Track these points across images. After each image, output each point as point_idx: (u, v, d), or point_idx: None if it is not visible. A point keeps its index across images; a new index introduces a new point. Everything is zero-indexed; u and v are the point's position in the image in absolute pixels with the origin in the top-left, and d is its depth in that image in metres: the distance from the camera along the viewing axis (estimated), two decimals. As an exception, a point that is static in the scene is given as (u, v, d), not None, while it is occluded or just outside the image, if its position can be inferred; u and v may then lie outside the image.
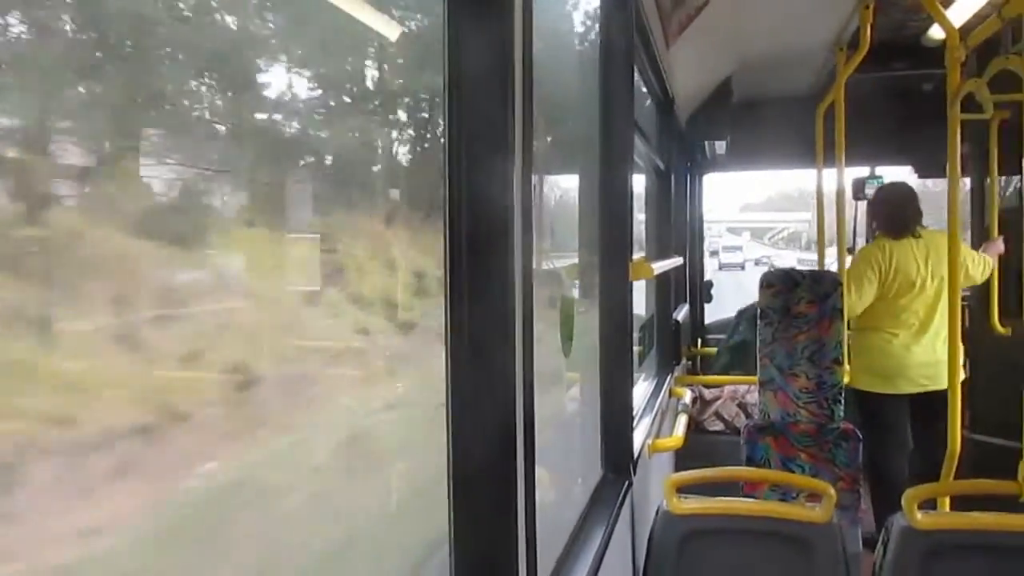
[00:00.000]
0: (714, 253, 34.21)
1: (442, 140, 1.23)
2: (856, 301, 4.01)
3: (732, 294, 7.35)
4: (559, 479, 2.15)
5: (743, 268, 31.26)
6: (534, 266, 1.32)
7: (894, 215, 4.07)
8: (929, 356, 3.98)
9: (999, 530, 2.17)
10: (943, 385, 3.73)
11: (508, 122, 1.20)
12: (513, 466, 1.23)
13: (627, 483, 2.36)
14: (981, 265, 4.15)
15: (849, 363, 4.01)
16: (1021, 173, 4.38)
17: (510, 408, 1.22)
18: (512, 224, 1.21)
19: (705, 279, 5.83)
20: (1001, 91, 2.98)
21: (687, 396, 4.11)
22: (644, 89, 3.54)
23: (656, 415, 3.42)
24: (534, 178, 1.33)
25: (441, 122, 1.24)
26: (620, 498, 2.23)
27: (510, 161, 1.20)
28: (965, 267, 4.00)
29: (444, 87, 1.21)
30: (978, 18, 3.14)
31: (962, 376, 3.90)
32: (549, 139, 2.41)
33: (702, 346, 5.51)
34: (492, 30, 1.20)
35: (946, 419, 3.70)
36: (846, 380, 3.68)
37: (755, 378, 3.76)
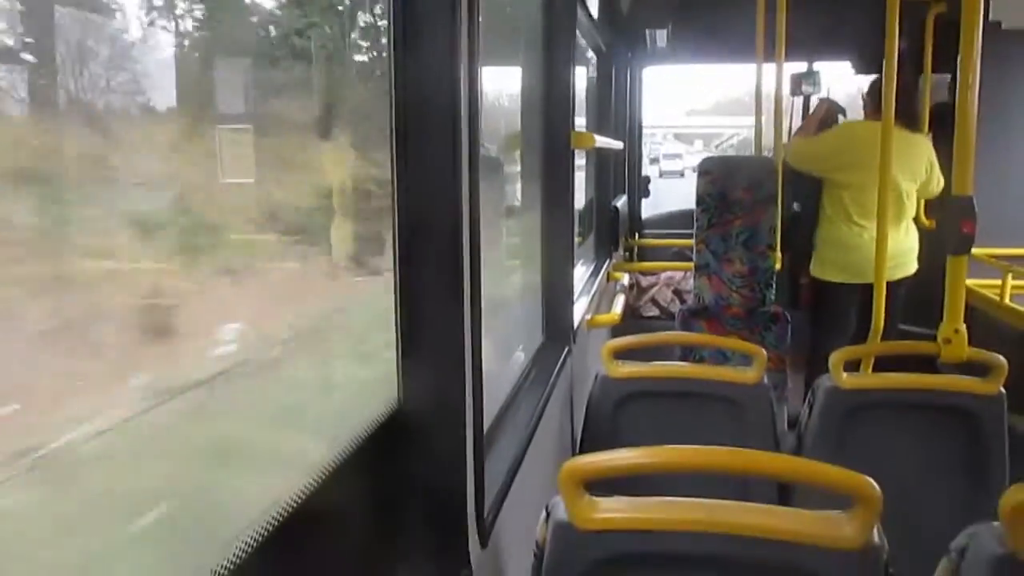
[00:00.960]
0: (654, 160, 34.46)
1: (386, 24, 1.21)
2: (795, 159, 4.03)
3: (672, 198, 7.41)
4: (503, 342, 2.19)
5: (683, 175, 31.59)
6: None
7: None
8: (894, 248, 4.04)
9: (916, 388, 2.29)
10: (900, 275, 3.88)
11: (455, 15, 1.18)
12: (460, 322, 1.25)
13: (566, 349, 2.41)
14: (937, 181, 4.18)
15: (814, 254, 4.07)
16: (954, 68, 4.47)
17: (457, 263, 1.24)
18: (459, 113, 1.20)
19: (643, 175, 5.87)
20: None
21: (624, 279, 4.19)
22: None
23: (595, 295, 3.48)
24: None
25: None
26: (559, 361, 2.28)
27: (457, 52, 1.19)
28: (929, 176, 4.07)
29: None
30: None
31: (915, 267, 4.04)
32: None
33: (639, 239, 5.58)
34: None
35: (893, 307, 3.87)
36: (778, 267, 3.79)
37: (690, 265, 3.84)
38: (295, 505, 0.96)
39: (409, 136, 1.21)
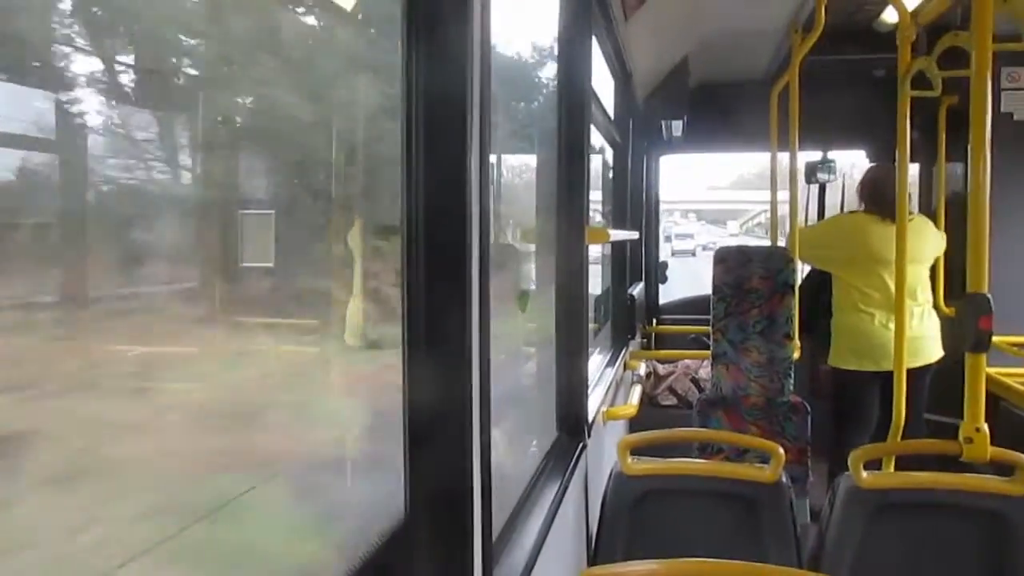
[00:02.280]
0: (667, 239, 34.79)
1: (400, 124, 1.23)
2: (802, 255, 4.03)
3: (684, 278, 7.42)
4: (516, 439, 2.17)
5: (694, 255, 31.89)
6: (492, 240, 1.33)
7: (880, 195, 3.94)
8: (909, 335, 3.98)
9: (939, 487, 2.24)
10: (920, 363, 3.82)
11: (466, 111, 1.21)
12: (469, 424, 1.24)
13: (581, 444, 2.38)
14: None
15: (831, 343, 4.04)
16: (966, 159, 4.50)
17: (465, 366, 1.23)
18: (470, 209, 1.22)
19: (660, 260, 5.89)
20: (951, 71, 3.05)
21: (641, 368, 4.16)
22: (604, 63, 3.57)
23: (611, 385, 3.46)
24: (492, 158, 1.34)
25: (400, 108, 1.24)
26: (574, 458, 2.25)
27: (468, 147, 1.21)
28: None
29: (401, 73, 1.22)
30: (929, 2, 3.21)
31: (940, 353, 3.98)
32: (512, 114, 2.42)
33: (657, 325, 5.57)
34: (450, 23, 1.21)
35: (916, 397, 3.82)
36: (796, 355, 3.76)
37: (708, 353, 3.82)
38: None
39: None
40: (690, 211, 61.08)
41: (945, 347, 3.99)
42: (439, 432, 1.23)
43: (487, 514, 1.31)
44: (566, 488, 2.08)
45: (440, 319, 1.23)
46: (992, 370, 4.08)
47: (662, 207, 6.08)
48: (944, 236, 4.18)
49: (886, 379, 3.92)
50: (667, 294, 5.99)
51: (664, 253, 6.64)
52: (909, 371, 3.87)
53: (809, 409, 3.62)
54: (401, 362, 1.23)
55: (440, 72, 1.21)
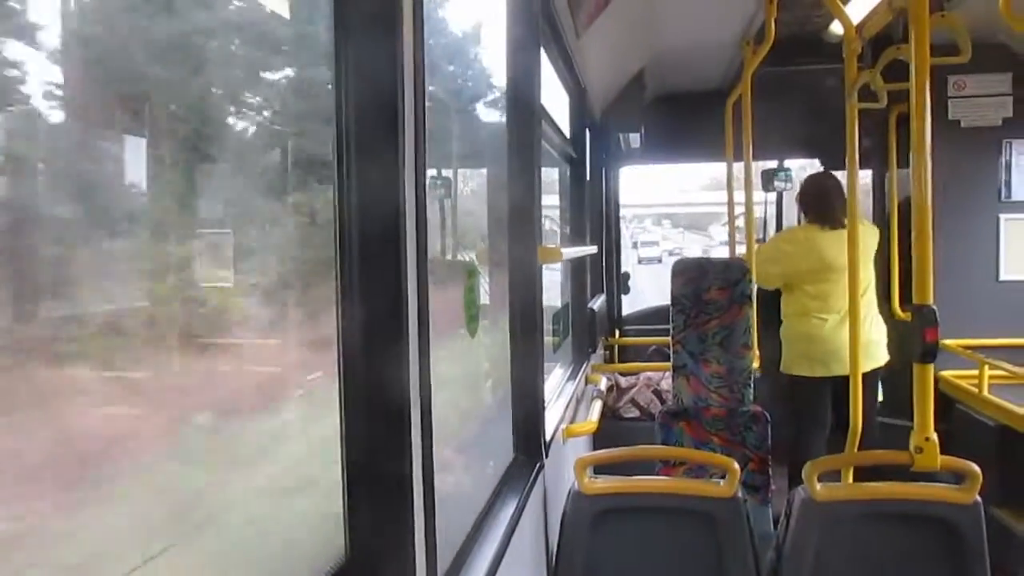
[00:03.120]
0: (634, 245, 34.76)
1: (333, 133, 1.21)
2: (764, 279, 4.11)
3: (651, 288, 7.45)
4: (466, 463, 2.15)
5: (660, 261, 32.00)
6: (438, 257, 1.32)
7: (821, 204, 4.07)
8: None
9: (893, 498, 2.26)
10: (871, 367, 3.91)
11: (398, 118, 1.19)
12: (408, 452, 1.22)
13: (538, 465, 2.37)
14: None
15: (782, 350, 4.12)
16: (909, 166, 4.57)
17: (404, 398, 1.21)
18: (404, 220, 1.20)
19: (623, 271, 5.91)
20: (897, 82, 3.10)
21: (602, 383, 4.16)
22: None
23: (571, 401, 3.45)
24: (439, 172, 1.33)
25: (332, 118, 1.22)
26: (531, 479, 2.24)
27: (400, 158, 1.19)
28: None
29: (334, 81, 1.20)
30: (874, 14, 3.27)
31: (886, 358, 4.08)
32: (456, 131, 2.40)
33: (619, 337, 5.58)
34: (381, 34, 1.20)
35: (868, 401, 3.89)
36: (755, 365, 3.78)
37: (668, 365, 3.83)
38: None
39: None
40: (663, 217, 60.70)
41: (893, 352, 4.06)
42: (378, 468, 1.22)
43: (431, 546, 1.29)
44: (522, 511, 2.07)
45: (376, 346, 1.21)
46: (947, 373, 4.15)
47: (631, 213, 6.12)
48: (876, 233, 4.24)
49: (836, 383, 4.00)
50: (636, 303, 6.01)
51: (632, 260, 6.71)
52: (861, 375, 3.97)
53: (769, 418, 3.64)
54: (338, 398, 1.22)
55: (371, 78, 1.19)
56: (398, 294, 1.20)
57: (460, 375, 2.25)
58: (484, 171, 2.78)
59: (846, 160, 3.07)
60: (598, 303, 4.74)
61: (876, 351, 4.05)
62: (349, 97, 1.19)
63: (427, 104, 1.31)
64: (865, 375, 3.90)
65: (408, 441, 1.22)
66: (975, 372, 3.86)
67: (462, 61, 2.89)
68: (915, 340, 2.30)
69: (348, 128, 1.19)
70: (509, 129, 2.49)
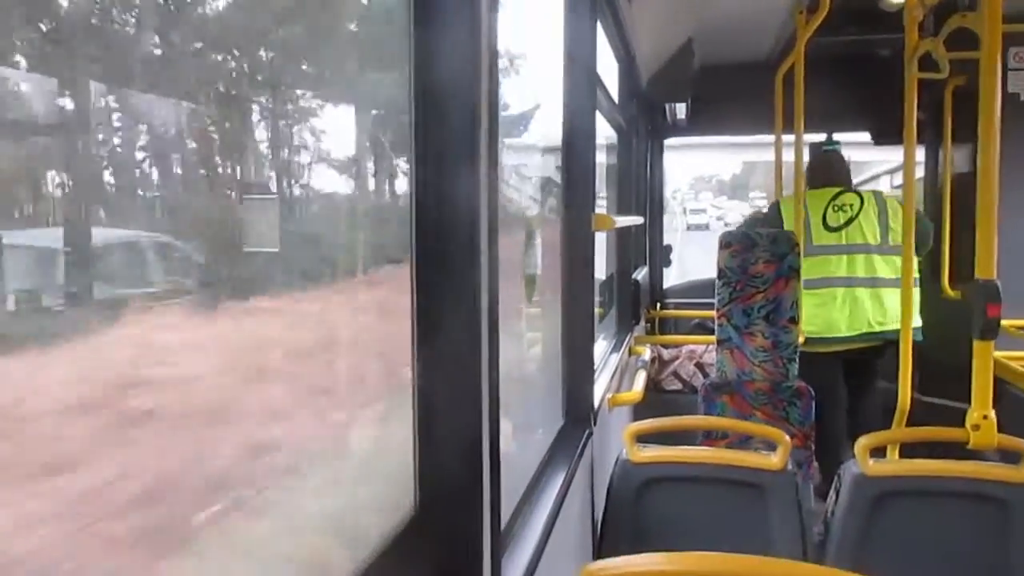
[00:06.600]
0: (684, 211, 37.50)
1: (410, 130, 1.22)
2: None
3: (699, 259, 7.39)
4: (520, 426, 2.16)
5: (708, 227, 32.94)
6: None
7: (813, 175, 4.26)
8: (862, 317, 4.07)
9: (945, 475, 2.23)
10: (868, 341, 3.96)
11: (474, 121, 1.19)
12: (479, 410, 1.23)
13: (587, 431, 2.38)
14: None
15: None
16: (972, 141, 4.46)
17: (475, 357, 1.22)
18: (479, 221, 1.21)
19: (664, 244, 5.87)
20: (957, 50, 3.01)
21: (646, 354, 4.15)
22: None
23: (616, 372, 3.45)
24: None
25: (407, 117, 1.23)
26: (581, 444, 2.25)
27: (476, 158, 1.20)
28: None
29: (409, 85, 1.20)
30: None
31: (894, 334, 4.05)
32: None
33: (661, 310, 5.56)
34: (458, 28, 1.19)
35: (874, 380, 3.92)
36: (801, 340, 3.75)
37: (713, 338, 3.81)
38: None
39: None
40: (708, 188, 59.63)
41: (935, 330, 4.03)
42: (449, 424, 1.23)
43: (496, 505, 1.30)
44: (573, 476, 2.08)
45: (450, 308, 1.22)
46: (998, 354, 4.08)
47: (678, 183, 6.09)
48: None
49: (846, 358, 4.05)
50: (682, 275, 5.99)
51: (681, 226, 6.70)
52: (868, 356, 3.99)
53: (813, 394, 3.61)
54: (411, 355, 1.22)
55: (448, 64, 1.19)
56: (472, 255, 1.20)
57: (515, 339, 2.25)
58: (537, 138, 2.76)
59: (902, 133, 3.01)
60: (641, 275, 4.72)
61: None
62: (426, 98, 1.20)
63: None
64: (871, 356, 4.03)
65: (480, 400, 1.23)
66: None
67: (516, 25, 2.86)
68: (976, 316, 2.26)
69: (422, 121, 1.20)
70: (565, 94, 2.48)
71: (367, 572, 1.07)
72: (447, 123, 1.20)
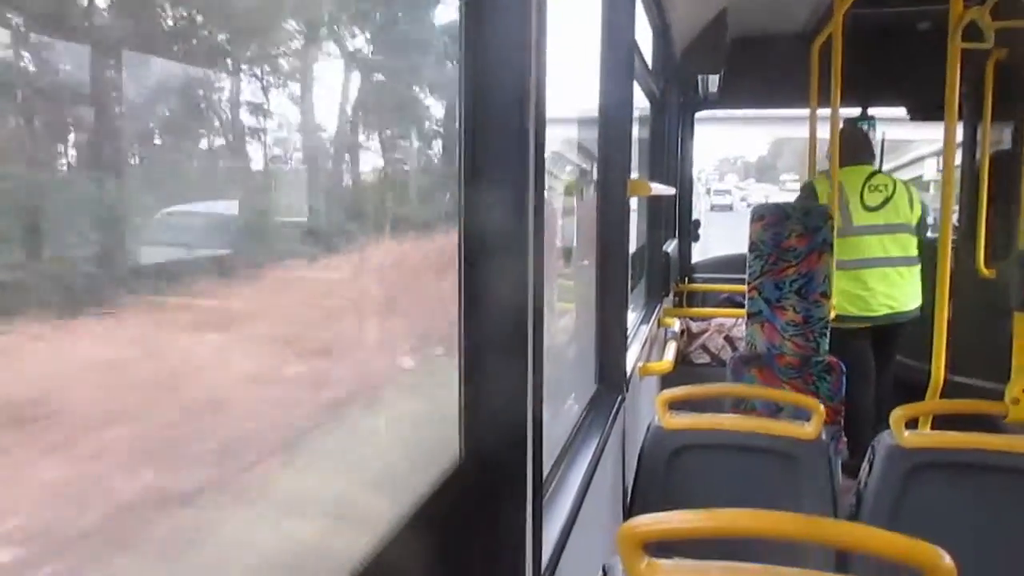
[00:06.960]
0: (707, 192, 38.38)
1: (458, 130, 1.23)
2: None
3: (722, 237, 7.35)
4: (556, 387, 2.17)
5: (732, 208, 33.01)
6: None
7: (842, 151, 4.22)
8: (886, 292, 4.10)
9: (981, 448, 2.22)
10: (896, 320, 4.04)
11: (522, 122, 1.20)
12: (524, 369, 1.24)
13: (620, 397, 2.39)
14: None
15: None
16: (1013, 116, 4.38)
17: (522, 310, 1.24)
18: (527, 229, 1.22)
19: (694, 218, 5.85)
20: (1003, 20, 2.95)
21: (676, 325, 4.14)
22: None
23: (646, 342, 3.45)
24: None
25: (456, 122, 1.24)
26: (613, 411, 2.26)
27: (525, 159, 1.21)
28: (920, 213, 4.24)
29: (459, 91, 1.21)
30: None
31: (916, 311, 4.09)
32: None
33: (689, 283, 5.54)
34: (507, 33, 1.19)
35: (894, 356, 4.04)
36: (832, 315, 3.73)
37: (742, 311, 3.79)
38: (368, 562, 0.96)
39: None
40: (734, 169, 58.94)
41: (976, 312, 4.03)
42: (495, 377, 1.24)
43: (538, 460, 1.31)
44: (607, 440, 2.09)
45: (498, 262, 1.23)
46: None
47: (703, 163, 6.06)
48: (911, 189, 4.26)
49: (875, 332, 4.12)
50: (704, 253, 5.97)
51: (704, 206, 6.67)
52: (891, 330, 4.06)
53: (844, 369, 3.59)
54: (458, 308, 1.23)
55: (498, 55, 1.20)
56: (521, 216, 1.21)
57: (552, 303, 2.26)
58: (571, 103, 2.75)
59: (942, 108, 2.96)
60: (671, 247, 4.70)
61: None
62: (476, 102, 1.21)
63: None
64: (894, 330, 4.11)
65: (525, 354, 1.24)
66: None
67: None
68: (1017, 288, 2.24)
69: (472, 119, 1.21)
70: (602, 62, 2.46)
71: (419, 512, 1.09)
72: (495, 112, 1.21)
